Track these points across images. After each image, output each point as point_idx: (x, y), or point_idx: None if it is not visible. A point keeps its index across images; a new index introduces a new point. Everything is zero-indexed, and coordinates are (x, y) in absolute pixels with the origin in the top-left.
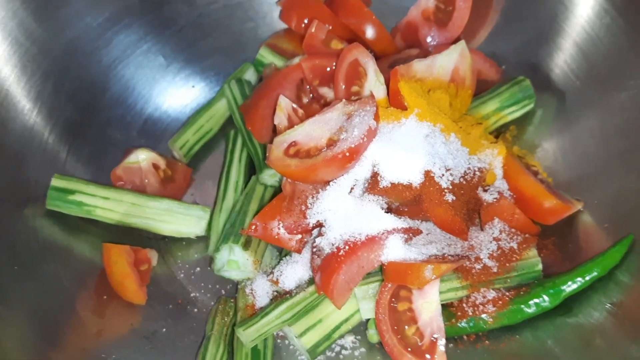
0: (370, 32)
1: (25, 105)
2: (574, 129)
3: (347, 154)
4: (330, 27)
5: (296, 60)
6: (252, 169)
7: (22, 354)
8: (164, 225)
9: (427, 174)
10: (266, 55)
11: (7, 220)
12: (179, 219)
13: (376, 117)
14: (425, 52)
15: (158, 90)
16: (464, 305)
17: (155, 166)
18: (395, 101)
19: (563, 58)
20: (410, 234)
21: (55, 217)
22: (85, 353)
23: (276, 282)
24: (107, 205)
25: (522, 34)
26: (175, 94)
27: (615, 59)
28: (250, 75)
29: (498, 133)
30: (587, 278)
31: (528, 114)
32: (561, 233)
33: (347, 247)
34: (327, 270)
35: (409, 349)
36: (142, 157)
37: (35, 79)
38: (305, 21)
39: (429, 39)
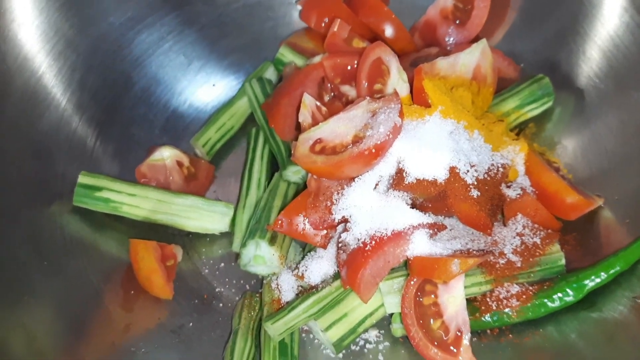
0: (389, 31)
1: (52, 101)
2: (593, 127)
3: (373, 150)
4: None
5: (317, 58)
6: (274, 166)
7: (53, 348)
8: (189, 221)
9: (452, 170)
10: (286, 54)
11: (34, 217)
12: (204, 216)
13: (401, 114)
14: (444, 51)
15: (180, 89)
16: (488, 299)
17: (179, 163)
18: (419, 99)
19: (582, 56)
20: (436, 229)
21: (81, 213)
22: (114, 347)
23: (301, 277)
24: (133, 202)
25: (540, 32)
26: (197, 92)
27: (635, 57)
28: (270, 73)
29: (519, 130)
30: (611, 272)
31: (547, 111)
32: (583, 229)
33: (373, 242)
34: (353, 265)
35: (435, 343)
36: (167, 155)
37: (61, 76)
38: (325, 20)
39: (447, 38)
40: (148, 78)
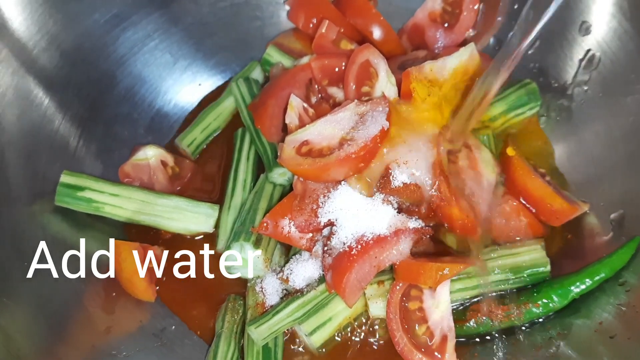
0: (377, 33)
1: (34, 100)
2: (579, 132)
3: (361, 153)
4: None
5: (305, 59)
6: (260, 168)
7: (31, 350)
8: (172, 222)
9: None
10: (273, 55)
11: (15, 217)
12: (188, 217)
13: (388, 118)
14: (432, 54)
15: (165, 88)
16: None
17: (164, 163)
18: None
19: (569, 62)
20: (422, 234)
21: (63, 213)
22: (94, 349)
23: (286, 281)
24: (116, 202)
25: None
26: (182, 91)
27: (622, 63)
28: (257, 74)
29: (506, 135)
30: (595, 279)
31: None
32: (568, 235)
33: (359, 246)
34: (338, 269)
35: (421, 349)
36: (151, 154)
37: (44, 73)
38: (313, 21)
39: (435, 41)
40: (133, 76)
